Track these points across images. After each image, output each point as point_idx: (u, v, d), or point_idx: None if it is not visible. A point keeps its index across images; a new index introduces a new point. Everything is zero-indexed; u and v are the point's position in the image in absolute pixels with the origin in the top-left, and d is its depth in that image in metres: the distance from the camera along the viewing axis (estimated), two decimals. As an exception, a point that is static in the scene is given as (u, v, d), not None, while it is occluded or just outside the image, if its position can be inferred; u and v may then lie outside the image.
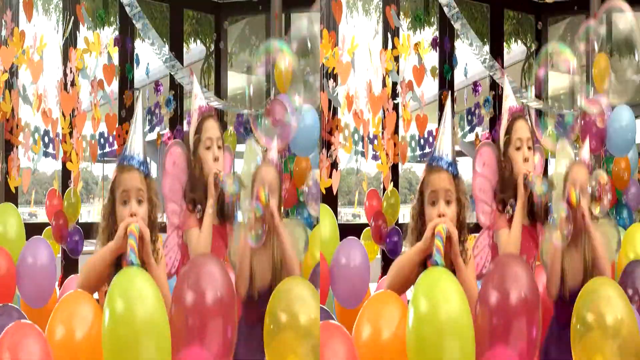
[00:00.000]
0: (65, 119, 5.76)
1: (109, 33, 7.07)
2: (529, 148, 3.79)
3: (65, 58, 5.84)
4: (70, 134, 5.79)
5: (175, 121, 7.32)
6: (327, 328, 3.13)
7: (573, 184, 3.66)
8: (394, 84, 6.02)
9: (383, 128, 5.89)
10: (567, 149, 4.24)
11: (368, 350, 3.06)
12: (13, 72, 5.55)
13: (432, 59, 7.20)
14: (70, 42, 5.93)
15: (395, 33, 6.08)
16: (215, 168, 3.70)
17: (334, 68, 5.73)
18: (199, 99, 3.91)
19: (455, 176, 3.39)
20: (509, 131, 3.85)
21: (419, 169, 8.99)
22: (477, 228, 3.70)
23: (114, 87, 6.39)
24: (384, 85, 5.96)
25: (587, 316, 3.09)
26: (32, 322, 3.09)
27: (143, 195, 3.26)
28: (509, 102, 3.93)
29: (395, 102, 6.00)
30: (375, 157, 6.02)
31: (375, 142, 5.97)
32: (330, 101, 5.77)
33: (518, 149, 3.80)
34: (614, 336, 3.04)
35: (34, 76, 5.55)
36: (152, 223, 3.29)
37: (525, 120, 3.87)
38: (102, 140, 6.42)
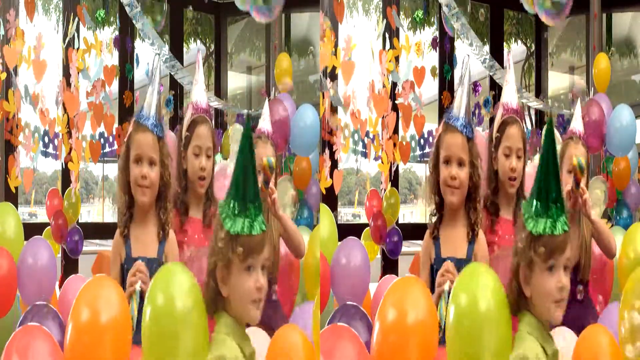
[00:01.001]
0: (63, 118, 5.76)
1: (109, 33, 7.07)
2: (518, 157, 3.67)
3: (67, 58, 5.84)
4: (69, 134, 5.79)
5: (175, 121, 7.32)
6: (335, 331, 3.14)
7: (570, 160, 3.82)
8: (394, 84, 6.01)
9: (382, 128, 5.88)
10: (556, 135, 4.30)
11: (393, 335, 3.06)
12: (11, 71, 5.54)
13: (432, 59, 7.20)
14: (70, 42, 5.93)
15: (395, 33, 6.07)
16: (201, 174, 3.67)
17: (334, 67, 5.72)
18: (197, 89, 3.78)
19: (470, 139, 3.46)
20: (500, 131, 3.72)
21: (419, 169, 8.99)
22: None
23: (113, 86, 6.39)
24: (383, 85, 5.95)
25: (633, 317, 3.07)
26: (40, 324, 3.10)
27: (155, 159, 3.40)
28: (506, 96, 3.76)
29: (396, 102, 5.99)
30: (376, 157, 6.01)
31: (375, 142, 5.96)
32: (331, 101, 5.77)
33: (507, 155, 3.69)
34: None
35: (37, 76, 5.56)
36: (165, 184, 3.44)
37: (519, 126, 3.71)
38: (102, 140, 6.42)
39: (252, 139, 2.63)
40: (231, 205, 2.62)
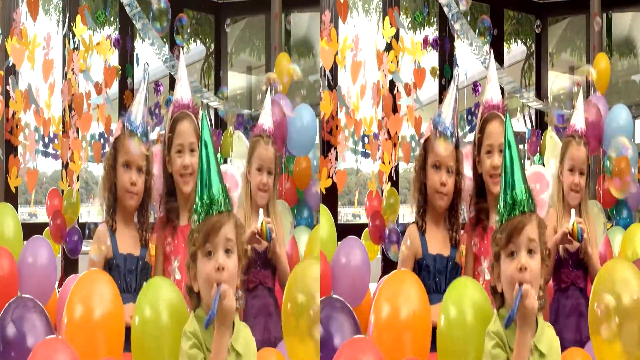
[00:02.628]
0: (59, 118, 5.76)
1: (109, 33, 7.06)
2: (501, 152, 3.34)
3: (69, 59, 5.84)
4: (65, 134, 5.78)
5: (175, 121, 7.29)
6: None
7: (571, 164, 3.79)
8: (392, 84, 6.00)
9: (379, 129, 5.87)
10: (553, 138, 4.25)
11: (387, 330, 3.12)
12: (18, 70, 5.55)
13: (432, 59, 7.20)
14: (75, 44, 5.93)
15: (395, 34, 6.07)
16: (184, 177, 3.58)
17: (335, 67, 5.71)
18: (181, 86, 3.71)
19: (456, 148, 3.53)
20: (481, 130, 3.59)
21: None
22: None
23: (113, 87, 6.39)
24: (382, 86, 5.94)
25: (605, 299, 3.08)
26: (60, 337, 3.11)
27: (143, 167, 3.50)
28: (489, 92, 3.60)
29: (399, 102, 5.98)
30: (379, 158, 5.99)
31: (375, 142, 5.95)
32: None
33: (488, 152, 3.56)
34: (632, 318, 3.02)
35: (45, 76, 5.57)
36: (148, 191, 3.53)
37: (501, 121, 3.51)
38: (102, 140, 6.41)
39: (211, 136, 2.79)
40: (199, 202, 2.74)
